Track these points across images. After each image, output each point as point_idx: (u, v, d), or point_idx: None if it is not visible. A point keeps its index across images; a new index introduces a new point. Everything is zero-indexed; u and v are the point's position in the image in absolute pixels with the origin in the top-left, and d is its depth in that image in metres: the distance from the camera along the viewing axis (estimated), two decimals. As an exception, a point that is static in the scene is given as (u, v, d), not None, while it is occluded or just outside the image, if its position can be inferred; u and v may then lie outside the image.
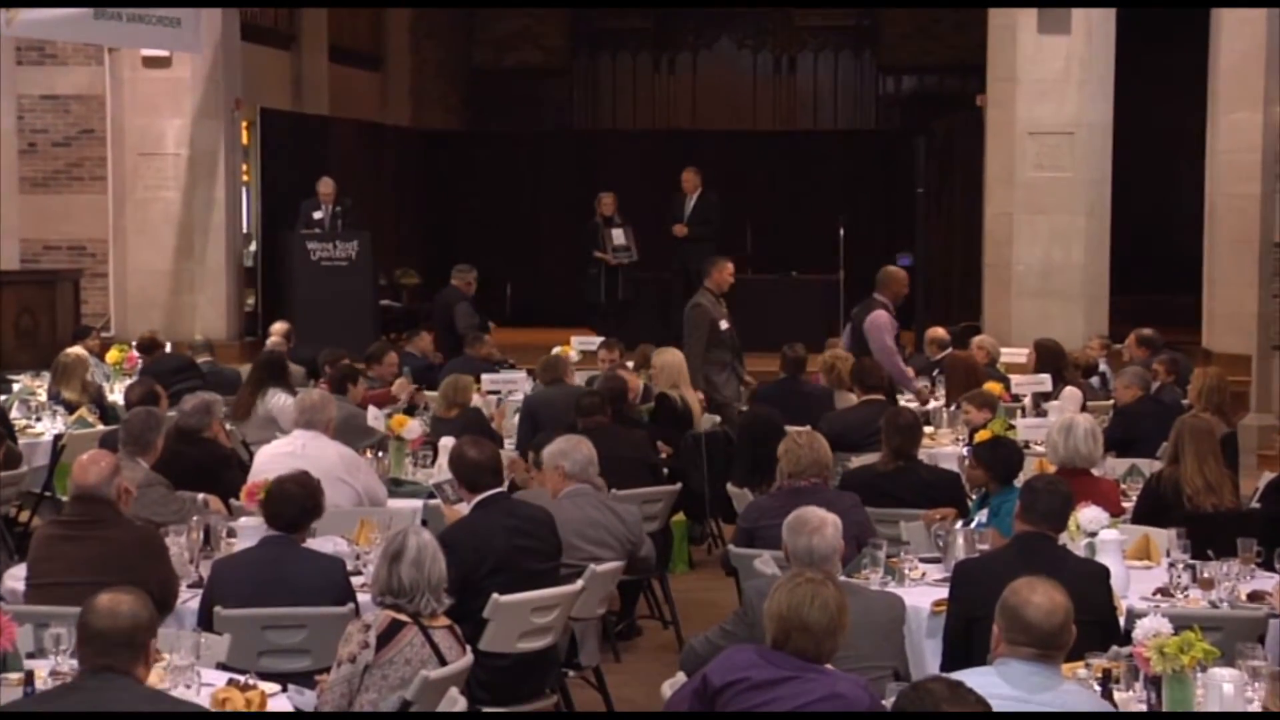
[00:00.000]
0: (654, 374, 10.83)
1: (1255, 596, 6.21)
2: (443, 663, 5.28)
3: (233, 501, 7.55)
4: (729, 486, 8.83)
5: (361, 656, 5.20)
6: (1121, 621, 5.73)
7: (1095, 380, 12.29)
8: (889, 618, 5.59)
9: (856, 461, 8.63)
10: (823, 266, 17.67)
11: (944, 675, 4.40)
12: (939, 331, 13.01)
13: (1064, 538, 6.16)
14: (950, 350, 12.39)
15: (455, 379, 10.12)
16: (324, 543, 6.58)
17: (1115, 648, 5.20)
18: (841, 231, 17.28)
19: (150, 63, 16.30)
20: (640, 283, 17.23)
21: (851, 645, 4.90)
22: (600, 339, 13.09)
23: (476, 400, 10.43)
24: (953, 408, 10.40)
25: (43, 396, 11.15)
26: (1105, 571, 5.87)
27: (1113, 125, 15.34)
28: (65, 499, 7.28)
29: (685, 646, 5.96)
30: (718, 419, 11.12)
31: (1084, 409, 9.84)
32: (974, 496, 7.60)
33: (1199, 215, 15.17)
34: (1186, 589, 6.28)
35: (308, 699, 5.43)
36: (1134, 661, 5.03)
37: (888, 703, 4.57)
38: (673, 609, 8.73)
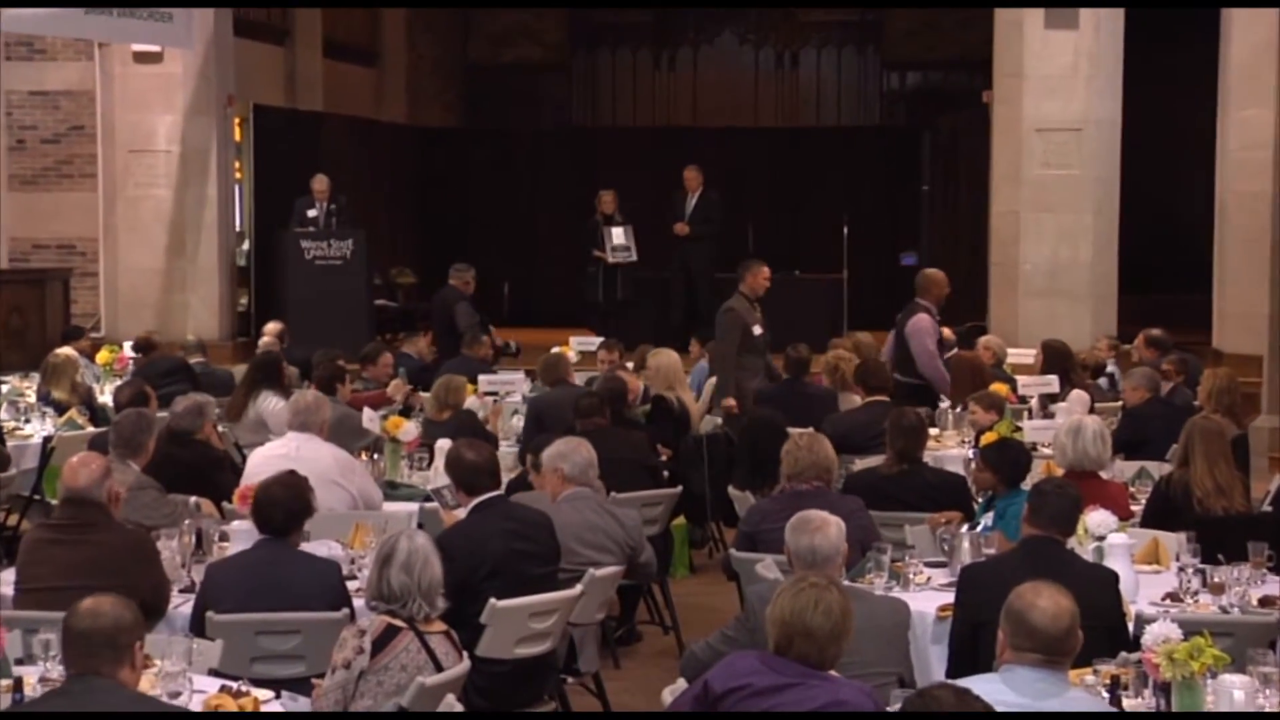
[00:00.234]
0: (649, 376, 10.83)
1: (1266, 601, 6.21)
2: (439, 669, 5.28)
3: (225, 505, 7.55)
4: (730, 489, 8.83)
5: (356, 662, 5.20)
6: (1130, 627, 5.74)
7: (1103, 381, 12.29)
8: (893, 623, 5.58)
9: (860, 464, 8.63)
10: (826, 266, 17.67)
11: (950, 682, 4.40)
12: (944, 332, 12.99)
13: (1072, 542, 6.16)
14: (956, 351, 12.38)
15: (448, 379, 10.12)
16: (318, 546, 6.58)
17: (1123, 654, 5.20)
18: (845, 230, 17.28)
19: (141, 58, 16.31)
20: (640, 282, 17.23)
21: (856, 651, 4.89)
22: (599, 339, 13.09)
23: (473, 402, 10.43)
24: (958, 409, 10.40)
25: (32, 398, 11.15)
26: (1114, 576, 5.86)
27: (1121, 122, 15.35)
28: (55, 502, 7.28)
29: (686, 652, 5.95)
30: (719, 420, 11.12)
31: (1092, 411, 9.83)
32: (980, 499, 7.60)
33: (1209, 213, 15.16)
34: (1196, 594, 6.27)
35: (301, 706, 5.43)
36: (1143, 668, 5.03)
37: (893, 710, 4.57)
38: (673, 614, 8.73)
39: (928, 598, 6.30)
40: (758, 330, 11.74)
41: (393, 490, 8.47)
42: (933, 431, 9.71)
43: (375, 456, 8.82)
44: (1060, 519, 5.92)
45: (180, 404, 8.40)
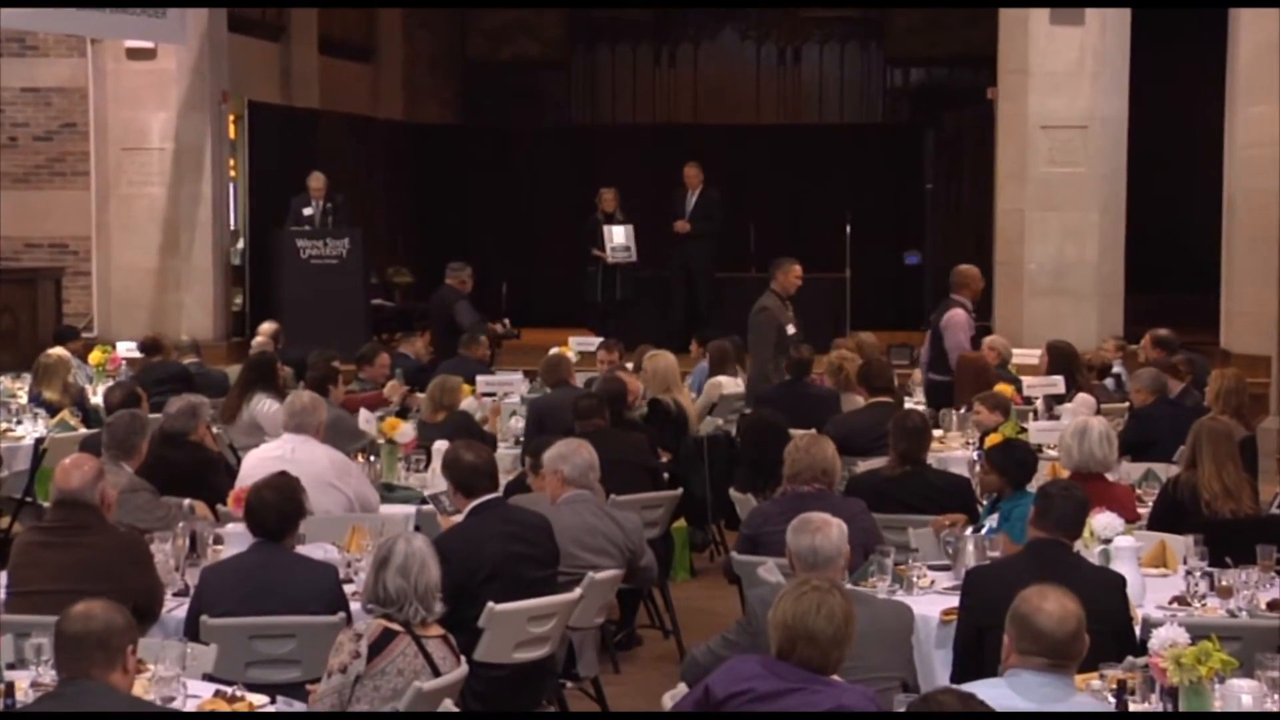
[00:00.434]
0: (645, 379, 10.83)
1: (1275, 605, 6.21)
2: (436, 673, 5.28)
3: (220, 507, 7.55)
4: (731, 491, 8.83)
5: (353, 667, 5.20)
6: (1137, 631, 5.74)
7: (1109, 382, 12.29)
8: (897, 627, 5.59)
9: (863, 466, 8.63)
10: (828, 265, 17.64)
11: (954, 687, 4.40)
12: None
13: (1078, 545, 6.16)
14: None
15: (443, 380, 10.12)
16: (314, 549, 6.58)
17: (1130, 658, 5.20)
18: (848, 229, 17.28)
19: (134, 54, 16.31)
20: (640, 281, 17.23)
21: (859, 656, 4.90)
22: (598, 339, 13.09)
23: (470, 403, 10.43)
24: (962, 410, 10.40)
25: (23, 399, 11.15)
26: (1120, 580, 5.87)
27: (1128, 119, 15.34)
28: (47, 505, 7.28)
29: (687, 657, 5.96)
30: (719, 421, 11.13)
31: (1098, 413, 9.83)
32: (984, 501, 7.60)
33: (1217, 212, 15.17)
34: (1204, 597, 6.28)
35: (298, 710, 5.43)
36: (1150, 672, 5.03)
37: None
38: (674, 618, 8.73)
39: (932, 601, 6.30)
40: (791, 329, 11.76)
41: (389, 492, 8.47)
42: (937, 433, 9.71)
43: (372, 458, 8.82)
44: (1066, 521, 5.92)
45: (174, 405, 8.39)
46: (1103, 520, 6.54)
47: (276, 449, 7.99)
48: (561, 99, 24.48)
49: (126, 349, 13.23)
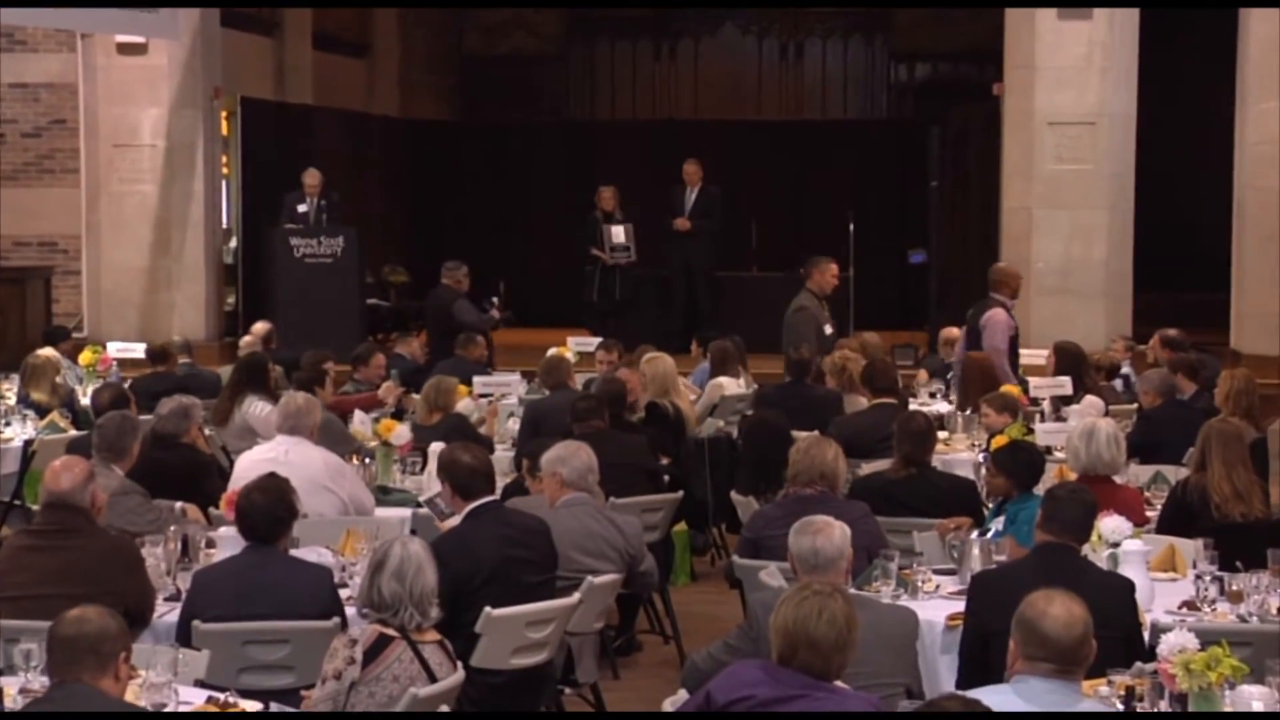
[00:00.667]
0: (644, 382, 10.82)
1: (1286, 610, 6.21)
2: (432, 679, 5.28)
3: (212, 511, 7.55)
4: (733, 494, 8.83)
5: (347, 673, 5.20)
6: (1146, 636, 5.74)
7: (1118, 383, 12.29)
8: (901, 632, 5.59)
9: (867, 468, 8.63)
10: (832, 264, 17.64)
11: (959, 693, 4.41)
12: (954, 332, 13.00)
13: (1085, 548, 6.16)
14: (965, 352, 12.37)
15: (438, 381, 10.11)
16: (308, 553, 6.58)
17: (1139, 664, 5.20)
18: (851, 227, 17.27)
19: (125, 49, 16.30)
20: (640, 280, 17.23)
21: (862, 661, 4.90)
22: (597, 340, 13.09)
23: (467, 404, 10.43)
24: (968, 411, 10.40)
25: (11, 400, 11.15)
26: (1129, 584, 5.87)
27: (1136, 115, 15.34)
28: (36, 508, 7.28)
29: (687, 662, 5.96)
30: (720, 423, 11.13)
31: (1106, 414, 9.83)
32: (990, 504, 7.60)
33: (1227, 210, 15.17)
34: (1214, 602, 6.27)
35: None
36: (1159, 679, 5.03)
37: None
38: (674, 623, 8.73)
39: (937, 606, 6.30)
40: (829, 329, 11.76)
41: (385, 495, 8.47)
42: (942, 435, 9.71)
43: (367, 461, 8.81)
44: (1074, 525, 5.92)
45: (165, 406, 8.39)
46: (1111, 523, 6.54)
47: (270, 451, 7.99)
48: (560, 95, 24.48)
49: (118, 349, 13.22)
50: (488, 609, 6.23)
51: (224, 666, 5.74)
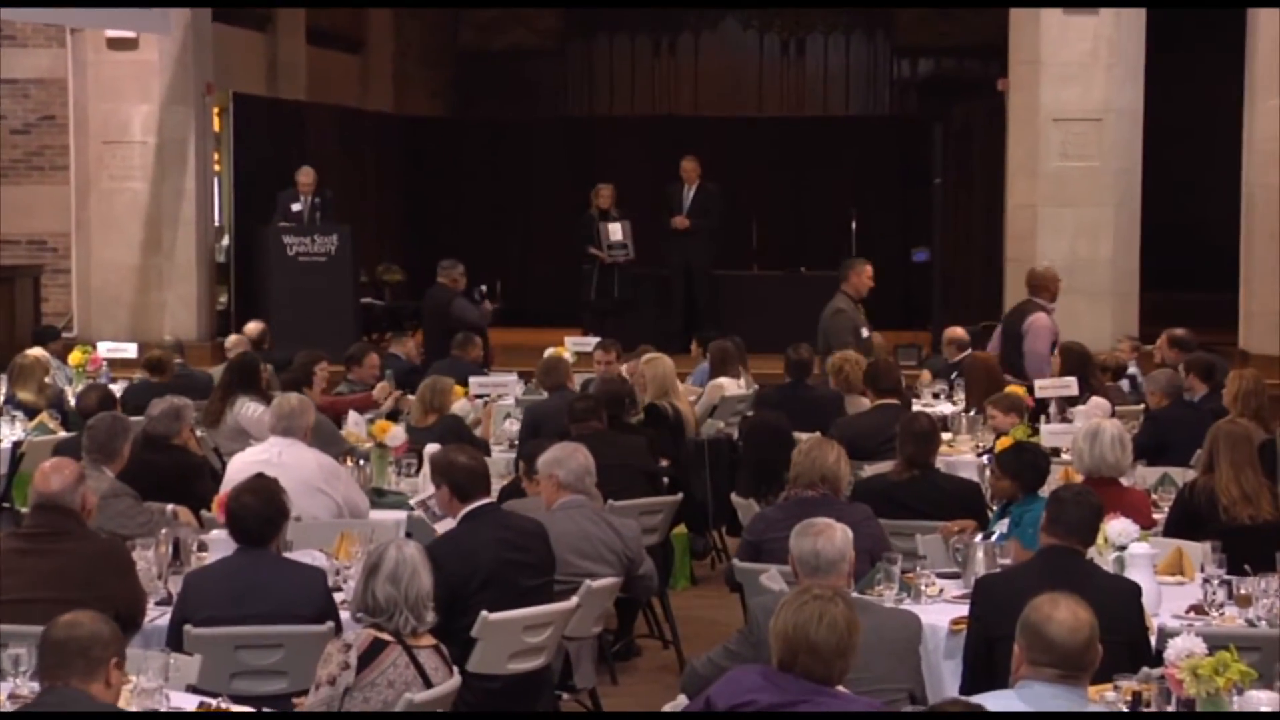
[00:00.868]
0: (643, 384, 10.82)
1: (1295, 614, 6.22)
2: (428, 685, 5.28)
3: (204, 513, 7.55)
4: (733, 497, 8.83)
5: (342, 678, 5.20)
6: (1153, 641, 5.74)
7: (1124, 383, 12.29)
8: (904, 637, 5.59)
9: (870, 470, 8.63)
10: (832, 262, 17.57)
11: (962, 698, 4.41)
12: (958, 332, 13.01)
13: (1091, 552, 6.16)
14: (969, 352, 12.39)
15: (434, 381, 10.11)
16: (301, 556, 6.58)
17: (1146, 669, 5.20)
18: (853, 225, 17.29)
19: (116, 44, 16.30)
20: (639, 279, 17.22)
21: (865, 666, 4.90)
22: (593, 339, 13.09)
23: (463, 405, 10.43)
24: (971, 413, 10.41)
25: (-1, 400, 11.14)
26: (1135, 588, 5.87)
27: (1143, 111, 15.35)
28: (25, 510, 7.28)
29: (687, 668, 5.96)
30: (721, 424, 11.13)
31: (1113, 416, 9.83)
32: (994, 507, 7.60)
33: (1235, 207, 15.17)
34: (1222, 606, 6.28)
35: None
36: (1166, 684, 5.03)
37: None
38: (673, 627, 8.73)
39: (940, 610, 6.30)
40: (865, 332, 11.78)
41: (379, 498, 8.47)
42: (946, 436, 9.71)
43: (361, 462, 8.81)
44: (1080, 528, 5.93)
45: (157, 407, 8.39)
46: (1117, 526, 6.54)
47: (263, 453, 7.99)
48: (557, 90, 24.47)
49: (108, 349, 13.20)
50: (484, 613, 6.23)
51: (216, 671, 5.74)
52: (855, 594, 5.85)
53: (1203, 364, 10.66)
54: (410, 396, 10.92)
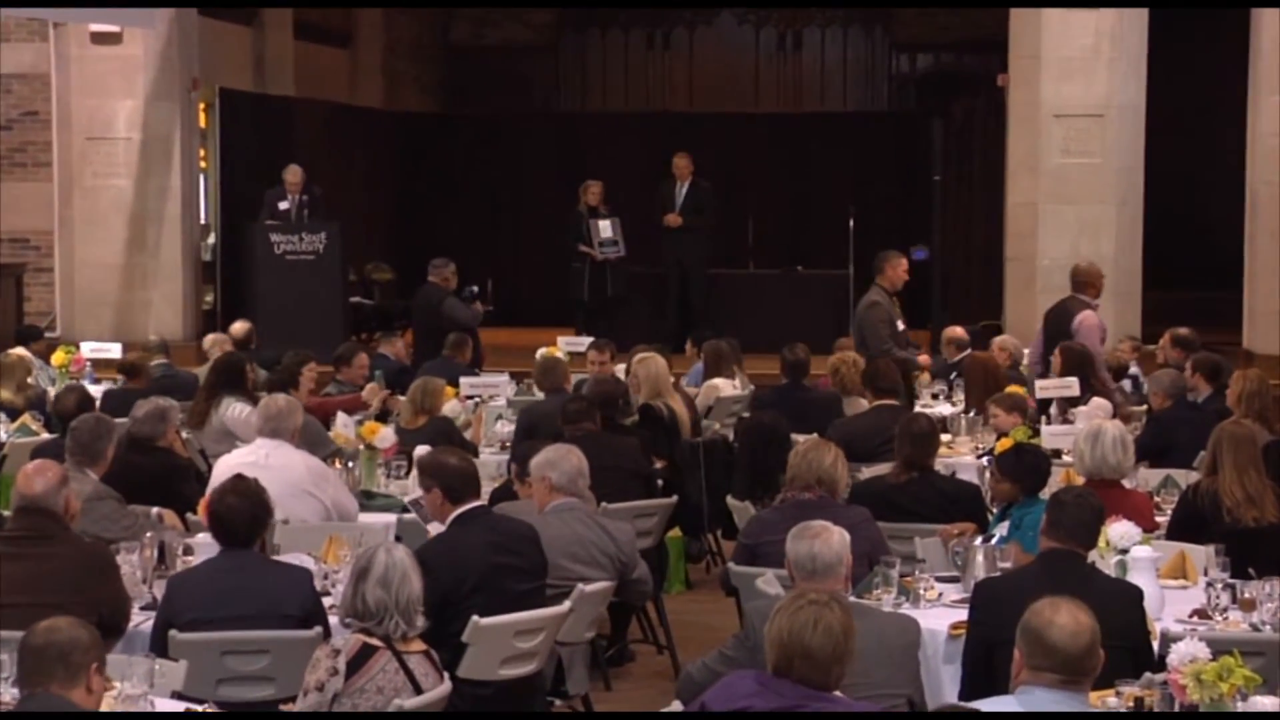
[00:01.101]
0: (637, 384, 10.82)
1: (1300, 618, 6.22)
2: (418, 691, 5.28)
3: (189, 516, 7.54)
4: (729, 499, 8.83)
5: (330, 684, 5.19)
6: (1155, 646, 5.74)
7: (1126, 384, 12.30)
8: (903, 642, 5.59)
9: (868, 472, 8.63)
10: (830, 261, 17.67)
11: (961, 704, 4.41)
12: (957, 331, 13.01)
13: (1093, 555, 6.17)
14: (969, 351, 12.38)
15: (424, 382, 10.10)
16: (289, 560, 6.58)
17: (1148, 674, 5.20)
18: (851, 223, 17.28)
19: (100, 39, 16.29)
20: (632, 278, 17.22)
21: (862, 671, 4.90)
22: (586, 339, 13.08)
23: (454, 406, 10.42)
24: (971, 413, 10.41)
25: (-20, 402, 11.12)
26: (1138, 592, 5.87)
27: (1146, 107, 15.35)
28: (7, 513, 7.27)
29: (682, 673, 5.96)
30: (716, 425, 11.12)
31: (1114, 417, 9.83)
32: (994, 509, 7.60)
33: (1239, 205, 15.18)
34: (1226, 610, 6.28)
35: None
36: (1169, 689, 5.04)
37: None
38: (668, 632, 8.73)
39: (939, 615, 6.30)
40: (900, 325, 11.82)
41: (369, 500, 8.47)
42: (945, 438, 9.71)
43: (350, 464, 8.81)
44: (1081, 531, 5.93)
45: (142, 409, 8.38)
46: (1119, 529, 6.54)
47: (250, 454, 7.99)
48: (549, 86, 24.47)
49: (91, 349, 13.20)
50: (475, 618, 6.22)
51: (202, 677, 5.73)
52: (853, 598, 5.85)
53: (1209, 364, 10.65)
54: (400, 397, 10.91)
